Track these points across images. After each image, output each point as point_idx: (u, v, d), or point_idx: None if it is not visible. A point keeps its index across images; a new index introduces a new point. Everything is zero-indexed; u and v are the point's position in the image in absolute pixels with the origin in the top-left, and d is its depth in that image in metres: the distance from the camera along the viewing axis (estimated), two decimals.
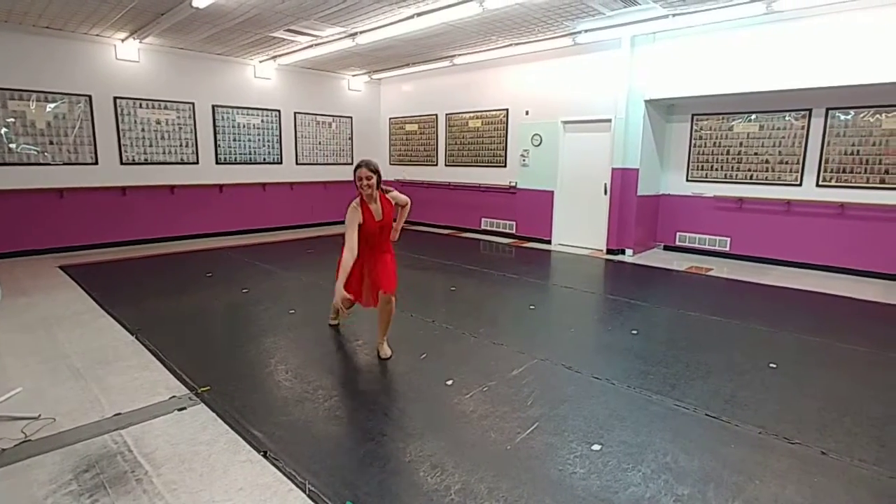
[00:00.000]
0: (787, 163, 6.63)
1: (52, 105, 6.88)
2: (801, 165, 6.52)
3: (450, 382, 3.18)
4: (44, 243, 7.00)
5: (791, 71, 5.89)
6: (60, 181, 7.02)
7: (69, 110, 7.02)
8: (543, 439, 2.54)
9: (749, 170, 6.94)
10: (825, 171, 6.35)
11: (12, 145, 6.63)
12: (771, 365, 3.51)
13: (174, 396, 2.95)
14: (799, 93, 6.06)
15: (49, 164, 6.93)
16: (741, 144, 6.97)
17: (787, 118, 6.57)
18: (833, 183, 6.31)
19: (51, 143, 6.92)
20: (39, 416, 2.67)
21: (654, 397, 3.01)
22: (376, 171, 3.40)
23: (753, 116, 6.82)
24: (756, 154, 6.86)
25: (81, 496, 2.07)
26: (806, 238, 6.58)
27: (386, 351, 3.59)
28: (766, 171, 6.80)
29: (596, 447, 2.48)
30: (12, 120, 6.59)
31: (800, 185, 6.55)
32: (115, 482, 2.17)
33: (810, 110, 6.37)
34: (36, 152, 6.82)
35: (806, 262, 6.60)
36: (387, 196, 3.55)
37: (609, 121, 7.38)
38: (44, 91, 6.78)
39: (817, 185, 6.42)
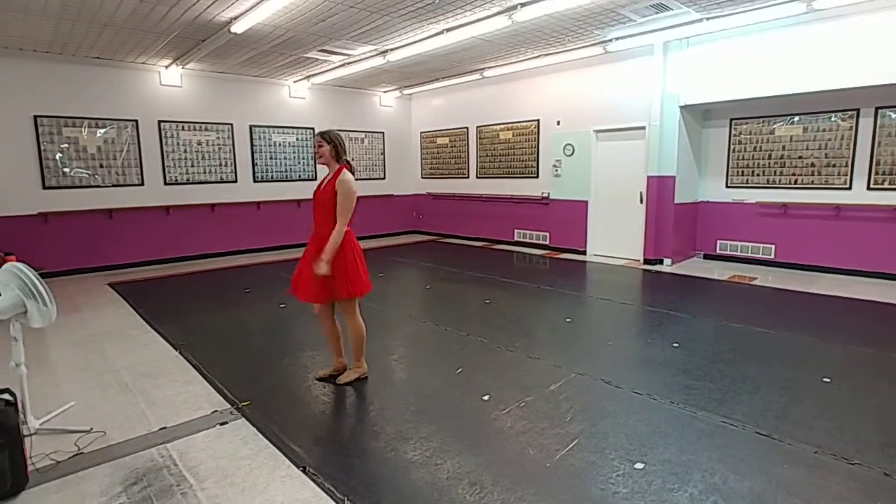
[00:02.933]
0: (834, 166, 6.34)
1: (102, 130, 7.25)
2: (849, 168, 6.23)
3: (486, 397, 3.14)
4: (94, 261, 7.34)
5: (835, 70, 5.66)
6: (109, 202, 7.38)
7: (118, 135, 7.38)
8: (584, 457, 2.48)
9: (793, 174, 6.68)
10: (876, 173, 6.05)
11: (66, 169, 7.02)
12: (825, 379, 3.33)
13: (216, 411, 3.02)
14: (845, 92, 5.81)
15: (99, 186, 7.30)
16: (784, 148, 6.72)
17: (832, 119, 6.31)
18: (886, 186, 6.00)
19: (101, 166, 7.29)
20: (91, 429, 2.78)
21: (698, 413, 2.90)
22: (331, 141, 3.15)
23: (796, 119, 6.58)
24: (801, 158, 6.60)
25: None
26: (857, 244, 6.26)
27: (346, 376, 3.38)
28: (812, 174, 6.52)
29: (639, 465, 2.40)
30: (66, 146, 6.99)
31: (849, 188, 6.25)
32: (162, 495, 2.22)
33: (858, 110, 6.10)
34: (87, 175, 7.19)
35: (858, 269, 6.28)
36: (341, 176, 3.11)
37: (643, 128, 7.25)
38: (94, 118, 7.17)
39: (868, 188, 6.12)
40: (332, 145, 3.16)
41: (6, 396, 2.35)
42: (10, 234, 6.52)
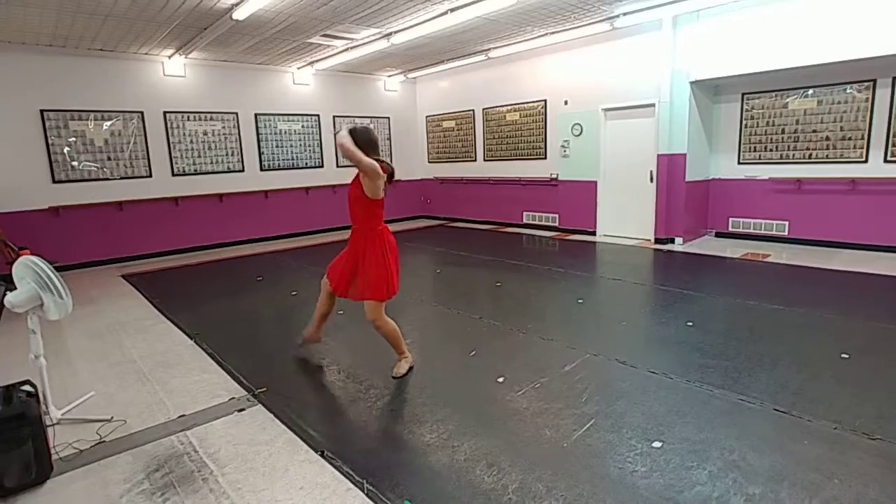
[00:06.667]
0: (850, 139, 6.21)
1: (109, 123, 7.25)
2: (866, 141, 6.09)
3: (501, 379, 3.15)
4: (106, 254, 7.40)
5: (851, 40, 5.50)
6: (119, 195, 7.40)
7: (124, 127, 7.38)
8: (601, 437, 2.48)
9: (807, 148, 6.55)
10: (894, 145, 5.91)
11: (74, 163, 7.04)
12: (843, 355, 3.30)
13: (233, 398, 3.05)
14: (861, 63, 5.65)
15: (108, 179, 7.32)
16: (798, 122, 6.58)
17: (848, 91, 6.15)
18: None
19: (109, 158, 7.30)
20: (112, 418, 2.81)
21: (715, 392, 2.88)
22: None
23: (810, 91, 6.43)
24: (815, 131, 6.46)
25: (153, 495, 2.17)
26: (875, 218, 6.15)
27: (398, 368, 3.28)
28: (827, 148, 6.39)
29: (657, 444, 2.39)
30: (73, 139, 7.00)
31: (865, 161, 6.12)
32: (184, 481, 2.25)
33: (875, 81, 5.94)
34: (96, 168, 7.21)
35: (875, 244, 6.18)
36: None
37: (652, 106, 7.13)
38: (100, 110, 7.16)
39: (885, 160, 5.99)
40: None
41: (27, 388, 2.38)
42: (23, 229, 6.56)
